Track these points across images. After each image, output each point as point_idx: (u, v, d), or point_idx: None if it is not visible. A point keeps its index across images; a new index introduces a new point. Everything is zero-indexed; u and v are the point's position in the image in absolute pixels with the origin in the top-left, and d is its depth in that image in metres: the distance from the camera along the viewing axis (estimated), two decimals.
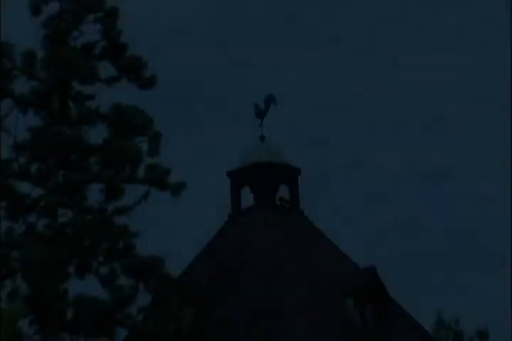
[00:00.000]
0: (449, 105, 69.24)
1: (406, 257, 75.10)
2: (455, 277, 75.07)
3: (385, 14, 71.48)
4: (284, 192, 35.03)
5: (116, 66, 31.27)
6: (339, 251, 34.27)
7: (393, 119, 75.93)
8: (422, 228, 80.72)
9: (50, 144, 29.24)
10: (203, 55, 68.44)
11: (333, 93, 72.58)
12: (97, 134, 30.09)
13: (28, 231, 29.22)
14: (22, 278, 28.46)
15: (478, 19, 71.74)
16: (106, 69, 31.20)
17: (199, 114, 69.29)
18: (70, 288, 29.01)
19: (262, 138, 35.27)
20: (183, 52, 63.90)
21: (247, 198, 35.02)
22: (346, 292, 31.76)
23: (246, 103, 36.08)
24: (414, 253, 76.58)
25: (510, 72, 44.25)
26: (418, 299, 50.50)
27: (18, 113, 30.07)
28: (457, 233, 77.02)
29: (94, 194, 29.79)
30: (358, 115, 74.50)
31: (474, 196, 72.78)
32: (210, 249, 34.29)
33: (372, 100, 73.79)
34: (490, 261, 75.95)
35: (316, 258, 33.36)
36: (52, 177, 29.56)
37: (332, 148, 73.04)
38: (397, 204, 76.76)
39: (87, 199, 29.72)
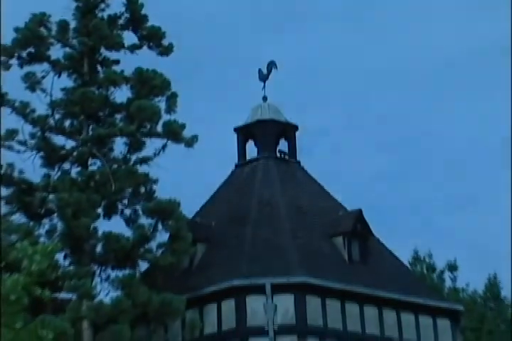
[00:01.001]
0: None
1: (390, 203, 75.43)
2: (431, 220, 75.54)
3: None
4: (283, 145, 35.10)
5: (138, 35, 31.51)
6: (330, 197, 34.33)
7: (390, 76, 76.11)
8: (405, 179, 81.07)
9: (81, 103, 29.39)
10: (215, 24, 68.55)
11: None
12: (121, 94, 30.34)
13: (62, 177, 29.44)
14: (58, 217, 28.76)
15: None
16: (129, 37, 31.56)
17: (211, 78, 69.56)
18: (99, 226, 29.35)
19: (265, 98, 35.26)
20: (196, 22, 63.82)
21: (252, 151, 35.11)
22: (336, 231, 31.83)
23: (252, 69, 36.07)
24: (398, 199, 76.91)
25: None
26: (398, 238, 50.91)
27: (54, 75, 30.32)
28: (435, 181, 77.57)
29: (120, 146, 30.11)
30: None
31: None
32: (219, 193, 34.41)
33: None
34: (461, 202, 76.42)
35: (310, 202, 33.45)
36: (83, 131, 29.79)
37: (329, 107, 73.34)
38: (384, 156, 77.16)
39: (113, 151, 30.07)
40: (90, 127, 29.73)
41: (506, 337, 34.40)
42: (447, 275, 37.51)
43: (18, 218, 28.90)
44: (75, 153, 29.59)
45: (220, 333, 29.13)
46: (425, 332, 30.83)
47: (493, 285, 37.08)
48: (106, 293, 28.92)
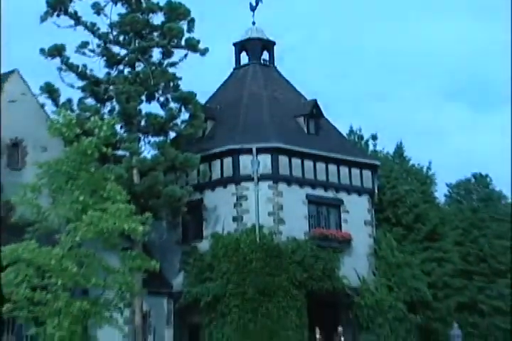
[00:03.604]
0: None
1: (335, 95, 75.52)
2: (362, 107, 75.78)
3: None
4: (265, 55, 34.94)
5: None
6: (296, 91, 33.98)
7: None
8: (347, 77, 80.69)
9: (130, 24, 29.14)
10: None
11: None
12: (157, 18, 29.90)
13: (118, 74, 29.43)
14: (116, 101, 28.81)
15: None
16: None
17: (217, 9, 68.18)
18: (143, 108, 29.36)
19: (254, 23, 34.83)
20: None
21: (244, 59, 35.00)
22: (299, 113, 31.88)
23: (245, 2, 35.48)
24: (341, 92, 76.88)
25: None
26: (340, 118, 51.48)
27: (112, 4, 29.59)
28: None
29: (156, 54, 29.87)
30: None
31: None
32: (222, 87, 34.17)
33: None
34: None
35: (283, 94, 33.18)
36: (132, 43, 29.47)
37: (298, 29, 72.43)
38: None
39: (152, 57, 29.72)
40: (137, 41, 29.19)
41: (405, 180, 35.11)
42: (371, 142, 38.02)
43: (90, 101, 28.93)
44: (126, 58, 29.24)
45: (222, 179, 29.49)
46: (355, 179, 31.09)
47: (399, 149, 37.75)
48: (148, 152, 29.36)
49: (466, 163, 71.41)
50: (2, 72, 28.16)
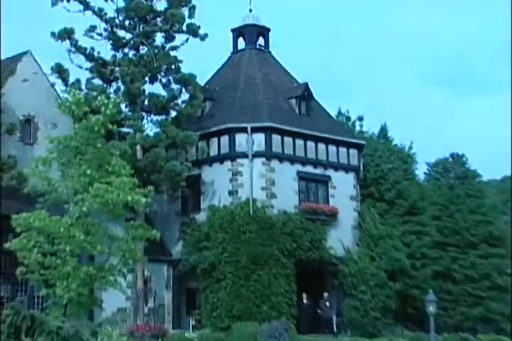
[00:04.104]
0: None
1: (332, 75, 75.28)
2: (352, 92, 75.67)
3: None
4: (261, 41, 34.72)
5: None
6: (289, 74, 33.83)
7: None
8: (339, 64, 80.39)
9: (135, 9, 28.85)
10: None
11: None
12: (160, 4, 29.53)
13: (124, 57, 29.11)
14: (121, 82, 28.55)
15: None
16: None
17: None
18: (146, 88, 29.06)
19: (250, 10, 34.56)
20: None
21: (241, 44, 34.81)
22: (292, 95, 31.73)
23: None
24: (332, 77, 76.68)
25: None
26: (329, 101, 51.54)
27: None
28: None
29: (159, 38, 29.50)
30: None
31: None
32: (220, 70, 33.96)
33: None
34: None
35: (276, 77, 33.02)
36: (136, 28, 29.16)
37: (291, 16, 72.01)
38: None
39: (155, 41, 29.35)
40: (141, 25, 28.91)
41: (389, 159, 35.04)
42: (357, 123, 37.94)
43: (97, 81, 28.72)
44: (131, 42, 28.97)
45: (219, 156, 29.42)
46: (342, 157, 31.08)
47: (383, 129, 37.71)
48: (150, 129, 29.25)
49: (444, 144, 71.42)
50: (16, 53, 28.05)
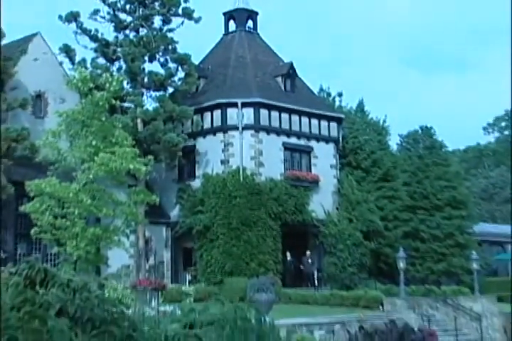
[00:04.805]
0: None
1: (315, 55, 74.68)
2: (335, 71, 75.20)
3: None
4: (250, 24, 34.33)
5: None
6: (276, 54, 33.62)
7: None
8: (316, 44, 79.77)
9: None
10: None
11: None
12: None
13: (125, 38, 28.75)
14: (123, 61, 28.23)
15: None
16: None
17: None
18: (146, 67, 28.90)
19: None
20: None
21: (232, 26, 34.47)
22: (278, 74, 31.38)
23: None
24: (313, 56, 76.12)
25: None
26: (311, 78, 51.37)
27: None
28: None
29: (157, 21, 29.25)
30: None
31: None
32: (213, 50, 33.69)
33: None
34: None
35: (264, 57, 32.73)
36: (136, 11, 28.86)
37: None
38: None
39: (154, 23, 29.06)
40: (141, 9, 28.57)
41: (365, 131, 35.05)
42: (337, 99, 37.86)
43: (101, 61, 28.47)
44: (132, 24, 28.70)
45: (212, 128, 29.37)
46: (323, 129, 31.07)
47: (360, 104, 37.68)
48: (150, 104, 29.16)
49: (415, 117, 71.57)
50: (27, 34, 27.71)
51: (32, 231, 18.50)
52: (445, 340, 21.04)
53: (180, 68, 29.22)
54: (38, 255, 22.67)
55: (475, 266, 27.59)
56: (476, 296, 26.38)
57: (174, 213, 29.80)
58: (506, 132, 71.47)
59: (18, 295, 2.26)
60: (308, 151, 30.56)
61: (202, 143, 29.64)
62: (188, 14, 28.91)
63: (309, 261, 29.03)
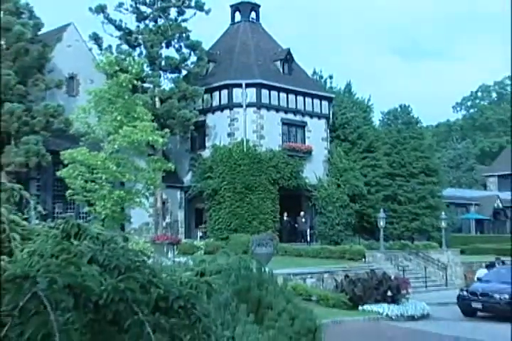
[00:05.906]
0: None
1: (310, 42, 73.57)
2: (328, 58, 74.12)
3: None
4: (253, 15, 33.73)
5: None
6: (276, 42, 32.83)
7: None
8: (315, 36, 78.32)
9: None
10: None
11: None
12: None
13: (145, 27, 28.05)
14: (143, 46, 27.81)
15: None
16: None
17: None
18: (163, 52, 28.38)
19: None
20: None
21: (238, 17, 33.74)
22: (277, 58, 30.97)
23: None
24: (308, 43, 74.96)
25: None
26: (307, 63, 50.38)
27: None
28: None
29: (173, 12, 28.76)
30: None
31: None
32: (221, 38, 32.97)
33: None
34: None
35: (265, 44, 32.05)
36: (155, 4, 28.12)
37: None
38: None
39: (170, 14, 28.54)
40: (159, 2, 28.10)
41: (352, 109, 34.83)
42: (328, 81, 37.53)
43: (124, 47, 27.95)
44: (151, 15, 28.20)
45: (220, 106, 29.02)
46: (316, 107, 30.59)
47: (348, 86, 37.44)
48: (166, 85, 28.85)
49: (395, 97, 71.00)
50: (61, 24, 27.49)
51: (67, 193, 18.71)
52: (417, 286, 21.41)
53: (192, 53, 28.90)
54: (72, 213, 22.86)
55: (443, 224, 27.84)
56: (443, 250, 26.76)
57: (187, 178, 29.83)
58: (472, 110, 72.32)
59: (56, 245, 2.31)
60: (302, 126, 30.35)
61: (211, 119, 29.43)
62: (199, 6, 28.50)
63: (303, 220, 29.17)
